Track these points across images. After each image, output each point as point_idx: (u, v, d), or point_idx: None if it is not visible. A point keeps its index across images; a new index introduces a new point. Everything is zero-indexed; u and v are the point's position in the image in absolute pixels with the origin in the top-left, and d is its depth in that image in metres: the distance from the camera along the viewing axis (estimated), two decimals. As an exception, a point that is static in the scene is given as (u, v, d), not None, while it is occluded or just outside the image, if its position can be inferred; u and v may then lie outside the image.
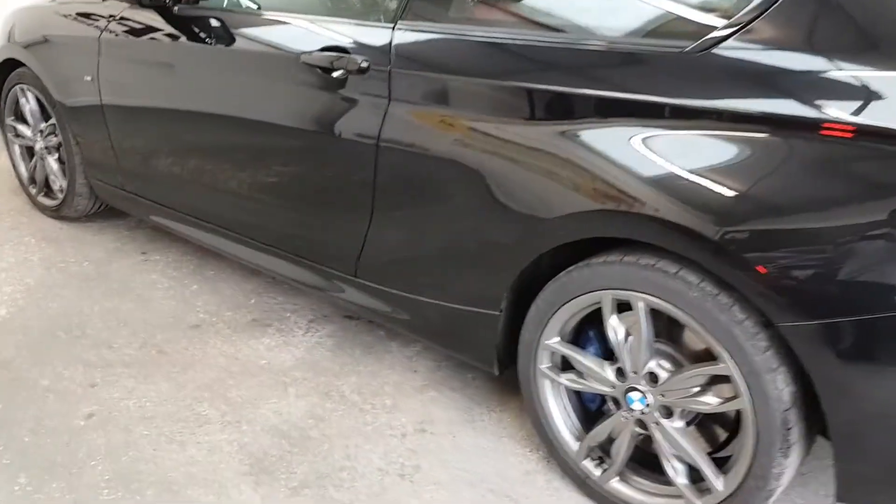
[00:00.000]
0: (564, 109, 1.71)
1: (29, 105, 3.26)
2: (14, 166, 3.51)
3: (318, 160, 2.23)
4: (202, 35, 2.52)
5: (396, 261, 2.14)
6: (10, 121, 3.41)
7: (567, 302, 1.75)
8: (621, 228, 1.63)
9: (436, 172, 1.91)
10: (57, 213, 3.35)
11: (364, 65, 2.00)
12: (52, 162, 3.26)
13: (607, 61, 1.69)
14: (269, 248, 2.50)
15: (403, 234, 2.08)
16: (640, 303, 1.63)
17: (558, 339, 1.81)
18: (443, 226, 1.96)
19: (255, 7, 2.59)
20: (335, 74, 2.06)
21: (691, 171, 1.52)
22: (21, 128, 3.37)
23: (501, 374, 2.02)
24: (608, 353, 1.81)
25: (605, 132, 1.63)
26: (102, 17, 2.78)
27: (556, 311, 1.77)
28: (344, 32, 2.14)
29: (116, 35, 2.72)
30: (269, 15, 2.38)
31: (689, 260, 1.56)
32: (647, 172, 1.56)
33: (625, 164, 1.59)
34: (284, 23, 2.31)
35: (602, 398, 1.87)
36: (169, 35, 2.57)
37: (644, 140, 1.58)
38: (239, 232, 2.58)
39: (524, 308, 1.88)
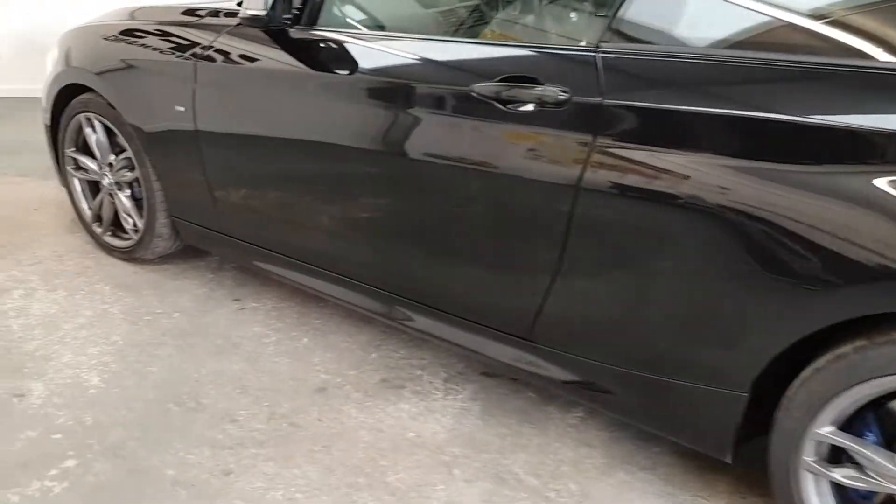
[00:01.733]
0: (869, 151, 1.41)
1: (96, 136, 2.92)
2: (74, 202, 3.16)
3: (485, 203, 1.92)
4: (327, 62, 2.20)
5: (594, 325, 1.83)
6: (70, 152, 3.06)
7: (857, 385, 1.45)
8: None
9: (668, 226, 1.61)
10: (129, 256, 3.01)
11: (563, 96, 1.69)
12: (125, 199, 2.92)
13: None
14: (408, 300, 2.19)
15: (609, 294, 1.77)
16: (972, 391, 1.34)
17: (833, 427, 1.51)
18: (672, 290, 1.65)
19: (382, 29, 2.29)
20: (524, 108, 1.75)
21: None
22: (85, 160, 3.03)
23: (736, 463, 1.72)
24: (888, 441, 1.52)
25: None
26: (198, 40, 2.45)
27: (837, 396, 1.47)
28: (524, 59, 1.84)
29: (217, 61, 2.38)
30: (413, 40, 2.06)
31: None
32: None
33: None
34: (437, 49, 2.00)
35: (874, 493, 1.57)
36: (283, 61, 2.24)
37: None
38: (370, 282, 2.26)
39: (771, 385, 1.59)
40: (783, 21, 1.66)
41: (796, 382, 1.54)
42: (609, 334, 1.80)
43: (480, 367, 2.40)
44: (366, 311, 2.37)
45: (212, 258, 3.06)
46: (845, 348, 1.46)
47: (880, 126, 1.39)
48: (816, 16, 1.65)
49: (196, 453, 2.02)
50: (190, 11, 2.58)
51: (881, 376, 1.42)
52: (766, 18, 1.66)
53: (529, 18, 2.23)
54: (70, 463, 1.96)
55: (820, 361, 1.50)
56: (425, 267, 2.14)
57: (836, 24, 1.61)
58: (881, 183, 1.37)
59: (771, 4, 1.70)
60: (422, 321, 2.20)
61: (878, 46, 1.52)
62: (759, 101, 1.51)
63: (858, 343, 1.45)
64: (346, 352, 2.49)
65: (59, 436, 2.06)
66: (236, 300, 2.79)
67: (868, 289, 1.41)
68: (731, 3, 1.67)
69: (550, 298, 1.86)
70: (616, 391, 1.84)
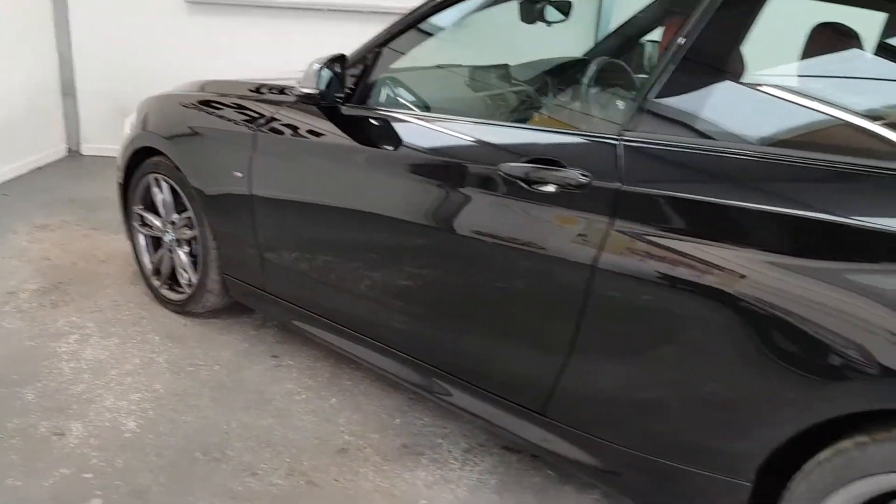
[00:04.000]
0: (858, 247, 1.44)
1: (162, 195, 3.12)
2: (136, 256, 3.36)
3: (507, 278, 1.99)
4: (373, 138, 2.34)
5: (605, 404, 1.86)
6: (137, 209, 3.28)
7: (856, 481, 1.43)
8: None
9: (677, 310, 1.64)
10: (181, 309, 3.17)
11: (583, 180, 1.77)
12: (183, 255, 3.10)
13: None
14: (435, 369, 2.25)
15: (619, 374, 1.80)
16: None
17: (834, 523, 1.49)
18: (681, 372, 1.67)
19: (426, 110, 2.42)
20: (546, 189, 1.84)
21: None
22: (150, 217, 3.23)
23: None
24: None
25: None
26: (259, 113, 2.64)
27: (837, 491, 1.46)
28: (550, 143, 1.94)
29: (274, 132, 2.56)
30: (450, 120, 2.18)
31: None
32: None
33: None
34: (471, 130, 2.12)
35: None
36: (334, 135, 2.40)
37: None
38: (400, 348, 2.34)
39: (775, 474, 1.58)
40: (809, 119, 1.72)
41: (799, 475, 1.53)
42: (619, 415, 1.82)
43: (503, 441, 2.42)
44: (390, 375, 2.44)
45: (256, 315, 3.19)
46: (846, 443, 1.45)
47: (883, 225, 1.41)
48: (849, 118, 1.71)
49: (215, 503, 2.09)
50: (254, 87, 2.78)
51: (879, 474, 1.40)
52: (784, 115, 1.72)
53: (564, 105, 2.33)
54: (95, 502, 2.06)
55: (822, 455, 1.49)
56: (448, 336, 2.21)
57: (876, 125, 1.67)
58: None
59: (794, 102, 1.76)
60: (442, 389, 2.26)
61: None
62: (770, 195, 1.56)
63: (860, 439, 1.44)
64: (371, 415, 2.55)
65: (89, 475, 2.17)
66: (274, 357, 2.89)
67: (874, 384, 1.41)
68: (746, 98, 1.74)
69: (565, 375, 1.90)
70: (624, 473, 1.84)
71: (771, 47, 1.99)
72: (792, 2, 1.68)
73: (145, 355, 2.86)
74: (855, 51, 2.05)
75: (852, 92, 1.93)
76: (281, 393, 2.65)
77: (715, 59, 1.74)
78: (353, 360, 2.63)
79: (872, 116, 1.73)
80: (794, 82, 2.00)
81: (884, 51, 2.22)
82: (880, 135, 1.66)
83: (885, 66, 2.11)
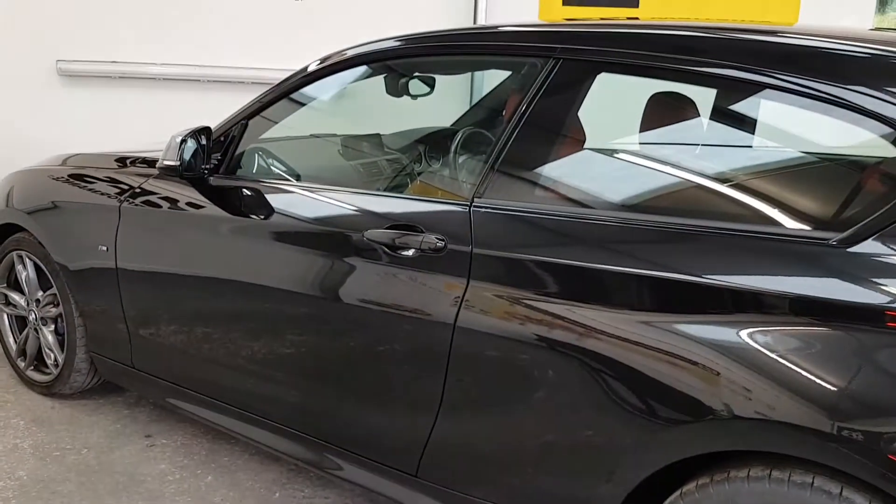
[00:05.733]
0: (687, 300, 1.55)
1: (26, 272, 3.01)
2: (1, 336, 3.21)
3: (373, 342, 2.03)
4: (242, 208, 2.36)
5: (472, 460, 1.89)
6: (1, 288, 3.14)
7: (700, 522, 1.51)
8: (772, 441, 1.43)
9: (530, 364, 1.72)
10: (48, 390, 3.03)
11: (440, 244, 1.84)
12: (48, 334, 2.98)
13: (736, 250, 1.55)
14: (310, 437, 2.24)
15: (483, 430, 1.85)
16: (797, 527, 1.41)
17: (686, 563, 1.56)
18: (538, 424, 1.74)
19: (297, 179, 2.46)
20: (406, 253, 1.90)
21: (843, 376, 1.36)
22: (13, 296, 3.10)
23: None
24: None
25: (739, 329, 1.47)
26: (124, 185, 2.61)
27: (684, 532, 1.54)
28: (410, 209, 2.01)
29: (139, 205, 2.53)
30: (319, 189, 2.23)
31: (848, 476, 1.37)
32: (796, 376, 1.39)
33: (764, 365, 1.43)
34: (338, 198, 2.17)
35: None
36: (201, 206, 2.40)
37: (787, 339, 1.42)
38: (274, 419, 2.31)
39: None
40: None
41: (651, 519, 1.60)
42: (480, 468, 1.87)
43: (384, 506, 2.41)
44: (268, 449, 2.40)
45: (130, 394, 3.08)
46: (690, 486, 1.54)
47: (702, 278, 1.54)
48: (682, 183, 1.87)
49: None
50: (119, 160, 2.75)
51: (719, 513, 1.49)
52: (620, 180, 1.86)
53: (431, 172, 2.44)
54: None
55: (669, 499, 1.57)
56: (324, 404, 2.21)
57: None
58: (728, 333, 1.48)
59: (631, 168, 1.91)
60: (323, 460, 2.24)
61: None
62: (609, 257, 1.67)
63: (702, 481, 1.53)
64: (249, 491, 2.49)
65: (-62, 575, 2.02)
66: (147, 436, 2.79)
67: (708, 428, 1.51)
68: (582, 164, 1.89)
69: (434, 434, 1.93)
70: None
71: (612, 117, 2.15)
72: (620, 79, 1.82)
73: (9, 441, 2.72)
74: (688, 119, 2.22)
75: (687, 157, 2.09)
76: (153, 474, 2.56)
77: (550, 128, 1.88)
78: (231, 435, 2.58)
79: (704, 178, 1.89)
80: (633, 148, 2.16)
81: (720, 116, 2.41)
82: (706, 197, 1.80)
83: (720, 132, 2.30)
